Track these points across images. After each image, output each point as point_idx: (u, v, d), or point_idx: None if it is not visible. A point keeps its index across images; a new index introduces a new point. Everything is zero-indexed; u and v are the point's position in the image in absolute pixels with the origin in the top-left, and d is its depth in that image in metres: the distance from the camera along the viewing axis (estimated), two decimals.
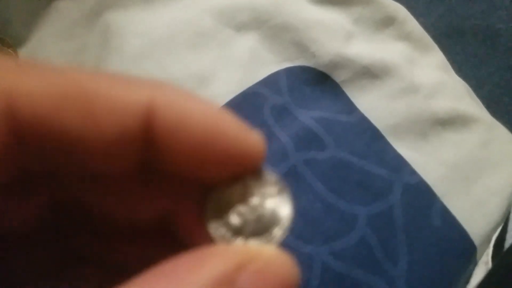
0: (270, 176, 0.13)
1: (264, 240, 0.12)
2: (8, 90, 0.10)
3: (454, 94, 0.34)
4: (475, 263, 0.30)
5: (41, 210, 0.12)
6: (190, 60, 0.31)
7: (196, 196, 0.12)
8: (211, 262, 0.10)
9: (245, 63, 0.31)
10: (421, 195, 0.29)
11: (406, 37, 0.35)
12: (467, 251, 0.28)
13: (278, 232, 0.12)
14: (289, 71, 0.31)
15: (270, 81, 0.31)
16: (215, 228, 0.12)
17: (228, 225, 0.12)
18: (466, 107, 0.33)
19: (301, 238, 0.26)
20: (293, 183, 0.28)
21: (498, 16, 0.41)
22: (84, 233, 0.13)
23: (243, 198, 0.12)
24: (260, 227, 0.12)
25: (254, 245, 0.11)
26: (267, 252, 0.10)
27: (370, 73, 0.32)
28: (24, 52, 0.34)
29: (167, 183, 0.13)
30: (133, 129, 0.11)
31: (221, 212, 0.12)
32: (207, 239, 0.11)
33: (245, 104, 0.30)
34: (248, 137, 0.12)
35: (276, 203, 0.12)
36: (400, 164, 0.29)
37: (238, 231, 0.12)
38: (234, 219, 0.12)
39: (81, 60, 0.32)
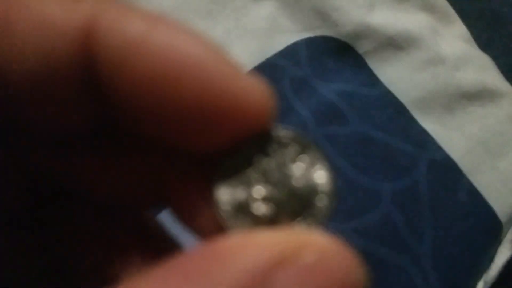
0: (288, 133, 0.09)
1: (305, 221, 0.09)
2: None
3: (480, 67, 0.32)
4: (499, 241, 0.29)
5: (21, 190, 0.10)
6: (204, 29, 0.30)
7: (197, 172, 0.10)
8: (238, 257, 0.07)
9: (262, 33, 0.30)
10: (447, 171, 0.28)
11: (429, 7, 0.33)
12: (493, 229, 0.28)
13: (321, 206, 0.09)
14: (309, 41, 0.30)
15: (289, 52, 0.29)
16: (229, 213, 0.09)
17: (247, 207, 0.09)
18: (492, 81, 0.32)
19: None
20: None
21: (502, 0, 0.40)
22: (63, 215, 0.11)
23: (260, 168, 0.09)
24: (293, 203, 0.09)
25: (297, 231, 0.08)
26: (318, 241, 0.07)
27: (395, 44, 0.30)
28: None
29: (151, 152, 0.10)
30: (63, 53, 0.08)
31: (236, 189, 0.09)
32: (218, 227, 0.09)
33: (263, 76, 0.29)
34: (243, 82, 0.08)
35: (307, 168, 0.09)
36: (425, 139, 0.28)
37: (262, 215, 0.09)
38: (256, 195, 0.09)
39: None
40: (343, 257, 0.07)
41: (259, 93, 0.08)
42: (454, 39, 0.33)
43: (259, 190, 0.09)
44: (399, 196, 0.26)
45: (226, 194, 0.09)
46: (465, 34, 0.35)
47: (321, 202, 0.09)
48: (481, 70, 0.32)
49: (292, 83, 0.29)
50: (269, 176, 0.09)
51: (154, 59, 0.08)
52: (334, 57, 0.30)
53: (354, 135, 0.28)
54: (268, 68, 0.29)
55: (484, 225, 0.27)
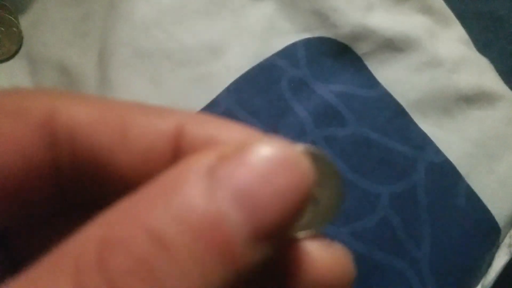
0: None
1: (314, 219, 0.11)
2: (50, 109, 0.10)
3: (478, 69, 0.32)
4: (497, 246, 0.29)
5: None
6: (201, 29, 0.30)
7: None
8: (188, 163, 0.09)
9: (261, 33, 0.29)
10: (446, 175, 0.27)
11: (427, 9, 0.33)
12: (491, 233, 0.27)
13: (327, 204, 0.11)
14: (307, 42, 0.29)
15: (288, 53, 0.29)
16: None
17: None
18: (490, 84, 0.31)
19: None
20: None
21: (500, 2, 0.40)
22: None
23: None
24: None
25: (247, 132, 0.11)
26: (266, 138, 0.09)
27: (393, 46, 0.30)
28: (25, 19, 0.32)
29: None
30: (162, 153, 0.11)
31: None
32: None
33: (261, 77, 0.28)
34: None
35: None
36: (423, 142, 0.28)
37: None
38: None
39: (86, 28, 0.30)
40: (288, 148, 0.09)
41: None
42: (452, 42, 0.33)
43: None
44: (397, 199, 0.26)
45: None
46: (463, 36, 0.35)
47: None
48: (479, 72, 0.32)
49: (291, 84, 0.28)
50: None
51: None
52: (333, 58, 0.29)
53: (353, 137, 0.27)
54: (266, 68, 0.29)
55: (482, 229, 0.27)
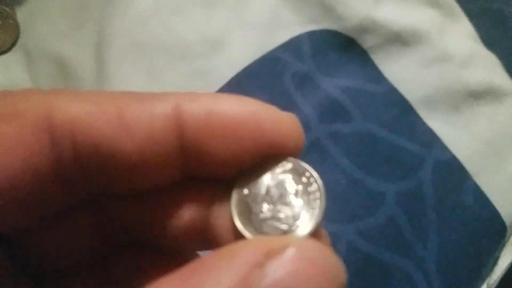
0: (299, 166, 0.12)
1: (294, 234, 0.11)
2: (46, 108, 0.11)
3: (487, 65, 0.31)
4: (503, 245, 0.28)
5: (88, 237, 0.13)
6: (202, 21, 0.29)
7: (225, 194, 0.12)
8: (241, 252, 0.09)
9: (264, 25, 0.29)
10: (453, 172, 0.27)
11: (435, 3, 0.32)
12: (498, 232, 0.27)
13: (309, 225, 0.11)
14: (312, 35, 0.28)
15: (292, 46, 0.28)
16: (245, 224, 0.11)
17: (258, 220, 0.11)
18: (499, 80, 0.31)
19: (325, 216, 0.24)
20: (316, 157, 0.26)
21: (505, 1, 0.39)
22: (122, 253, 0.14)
23: (272, 191, 0.12)
24: (289, 221, 0.11)
25: (280, 237, 0.11)
26: (297, 240, 0.10)
27: (401, 40, 0.29)
28: (22, 11, 0.31)
29: (201, 187, 0.13)
30: (164, 135, 0.11)
31: (249, 209, 0.12)
32: (238, 237, 0.11)
33: (264, 71, 0.28)
34: (285, 124, 0.11)
35: (307, 198, 0.12)
36: (431, 139, 0.27)
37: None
38: (265, 213, 0.11)
39: (82, 19, 0.30)
40: (320, 247, 0.09)
41: (295, 131, 0.12)
42: (460, 37, 0.32)
43: (266, 203, 0.12)
44: (404, 197, 0.25)
45: (240, 208, 0.12)
46: (472, 32, 0.34)
47: (316, 206, 0.11)
48: (488, 68, 0.31)
49: (294, 78, 0.28)
50: (280, 195, 0.12)
51: (226, 121, 0.11)
52: (338, 51, 0.29)
53: (358, 133, 0.27)
54: (269, 62, 0.28)
55: (489, 228, 0.27)
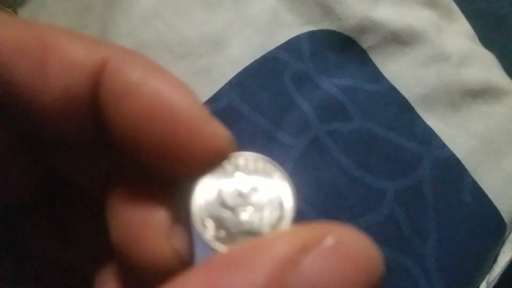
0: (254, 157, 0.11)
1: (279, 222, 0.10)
2: None
3: (484, 64, 0.32)
4: (503, 242, 0.29)
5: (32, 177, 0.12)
6: (203, 20, 0.29)
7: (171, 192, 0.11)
8: (273, 246, 0.08)
9: (264, 25, 0.29)
10: (451, 170, 0.27)
11: (432, 3, 0.33)
12: (497, 229, 0.27)
13: (288, 209, 0.10)
14: (311, 35, 0.29)
15: (291, 46, 0.28)
16: (203, 225, 0.10)
17: (218, 221, 0.10)
18: (496, 79, 0.31)
19: (325, 214, 0.24)
20: (316, 155, 0.26)
21: (503, 1, 0.40)
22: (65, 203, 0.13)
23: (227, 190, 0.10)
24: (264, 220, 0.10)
25: (314, 225, 0.09)
26: (335, 228, 0.09)
27: (399, 39, 0.29)
28: (24, 12, 0.31)
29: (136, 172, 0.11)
30: (80, 87, 0.10)
31: (208, 207, 0.10)
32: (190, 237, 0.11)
33: (264, 70, 0.28)
34: (210, 130, 0.10)
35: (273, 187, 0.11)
36: (429, 137, 0.28)
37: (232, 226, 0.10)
38: (225, 215, 0.10)
39: (85, 21, 0.30)
40: (359, 239, 0.08)
41: (220, 135, 0.10)
42: (458, 36, 0.33)
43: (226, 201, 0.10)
44: (403, 195, 0.26)
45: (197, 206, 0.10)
46: (469, 31, 0.35)
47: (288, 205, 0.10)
48: (485, 67, 0.31)
49: (294, 78, 0.28)
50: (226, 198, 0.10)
51: (144, 102, 0.10)
52: (337, 51, 0.29)
53: (358, 132, 0.27)
54: (269, 62, 0.28)
55: (488, 225, 0.27)
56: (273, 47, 0.28)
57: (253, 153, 0.11)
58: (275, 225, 0.10)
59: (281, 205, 0.10)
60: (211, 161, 0.10)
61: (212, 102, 0.27)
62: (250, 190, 0.11)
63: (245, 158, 0.11)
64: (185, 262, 0.11)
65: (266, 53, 0.28)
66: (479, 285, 0.27)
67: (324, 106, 0.27)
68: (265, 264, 0.08)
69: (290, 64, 0.28)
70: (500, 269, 0.28)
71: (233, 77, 0.28)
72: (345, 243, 0.08)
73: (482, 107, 0.30)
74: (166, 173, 0.11)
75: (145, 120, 0.10)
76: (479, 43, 0.35)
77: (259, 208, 0.10)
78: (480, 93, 0.30)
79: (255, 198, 0.10)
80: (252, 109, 0.27)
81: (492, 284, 0.27)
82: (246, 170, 0.11)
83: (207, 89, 0.28)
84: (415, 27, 0.30)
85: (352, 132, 0.27)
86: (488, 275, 0.28)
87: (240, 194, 0.10)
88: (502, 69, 0.34)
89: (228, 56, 0.28)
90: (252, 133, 0.26)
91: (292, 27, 0.29)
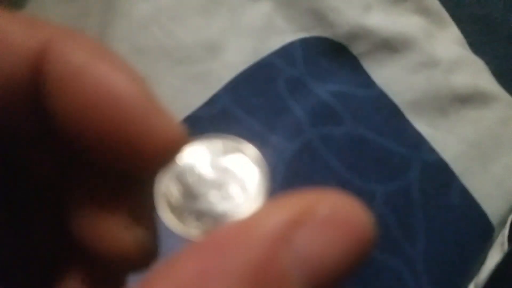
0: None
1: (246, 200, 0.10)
2: None
3: (473, 70, 0.33)
4: (491, 244, 0.29)
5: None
6: (200, 26, 0.30)
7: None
8: (257, 225, 0.07)
9: (258, 32, 0.30)
10: (440, 174, 0.28)
11: (424, 10, 0.34)
12: (485, 232, 0.28)
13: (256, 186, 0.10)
14: (304, 42, 0.29)
15: (285, 52, 0.29)
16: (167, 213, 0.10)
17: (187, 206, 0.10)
18: (485, 84, 0.32)
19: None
20: (308, 159, 0.27)
21: (495, 5, 0.40)
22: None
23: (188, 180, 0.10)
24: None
25: (305, 193, 0.08)
26: (328, 196, 0.08)
27: (389, 46, 0.30)
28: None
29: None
30: (19, 74, 0.09)
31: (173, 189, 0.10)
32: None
33: (258, 76, 0.29)
34: (158, 122, 0.09)
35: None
36: (418, 141, 0.28)
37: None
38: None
39: (84, 25, 0.30)
40: (352, 205, 0.08)
41: (170, 128, 0.10)
42: (448, 43, 0.33)
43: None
44: (392, 198, 0.26)
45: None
46: (459, 37, 0.35)
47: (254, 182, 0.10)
48: (474, 73, 0.32)
49: (287, 83, 0.29)
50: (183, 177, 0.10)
51: (86, 90, 0.09)
52: (329, 58, 0.30)
53: (349, 136, 0.28)
54: (263, 68, 0.29)
55: (476, 228, 0.27)
56: (267, 53, 0.29)
57: (211, 134, 0.10)
58: (246, 206, 0.10)
59: (249, 183, 0.10)
60: (163, 153, 0.10)
61: (207, 106, 0.28)
62: (214, 174, 0.10)
63: (205, 142, 0.10)
64: (151, 253, 0.10)
65: (260, 59, 0.29)
66: (468, 287, 0.28)
67: (316, 111, 0.28)
68: (254, 247, 0.07)
69: (283, 70, 0.29)
70: (488, 271, 0.29)
71: (228, 82, 0.28)
72: (339, 212, 0.08)
73: (471, 112, 0.30)
74: (119, 166, 0.10)
75: (87, 110, 0.09)
76: (469, 49, 0.35)
77: (225, 190, 0.10)
78: (468, 99, 0.31)
79: (220, 181, 0.10)
80: (246, 113, 0.27)
81: (480, 286, 0.28)
82: (206, 155, 0.10)
83: (202, 94, 0.28)
84: (406, 34, 0.31)
85: (343, 136, 0.27)
86: (476, 277, 0.29)
87: (203, 180, 0.10)
88: (491, 75, 0.35)
89: (224, 61, 0.29)
90: (246, 136, 0.27)
91: (286, 34, 0.30)
